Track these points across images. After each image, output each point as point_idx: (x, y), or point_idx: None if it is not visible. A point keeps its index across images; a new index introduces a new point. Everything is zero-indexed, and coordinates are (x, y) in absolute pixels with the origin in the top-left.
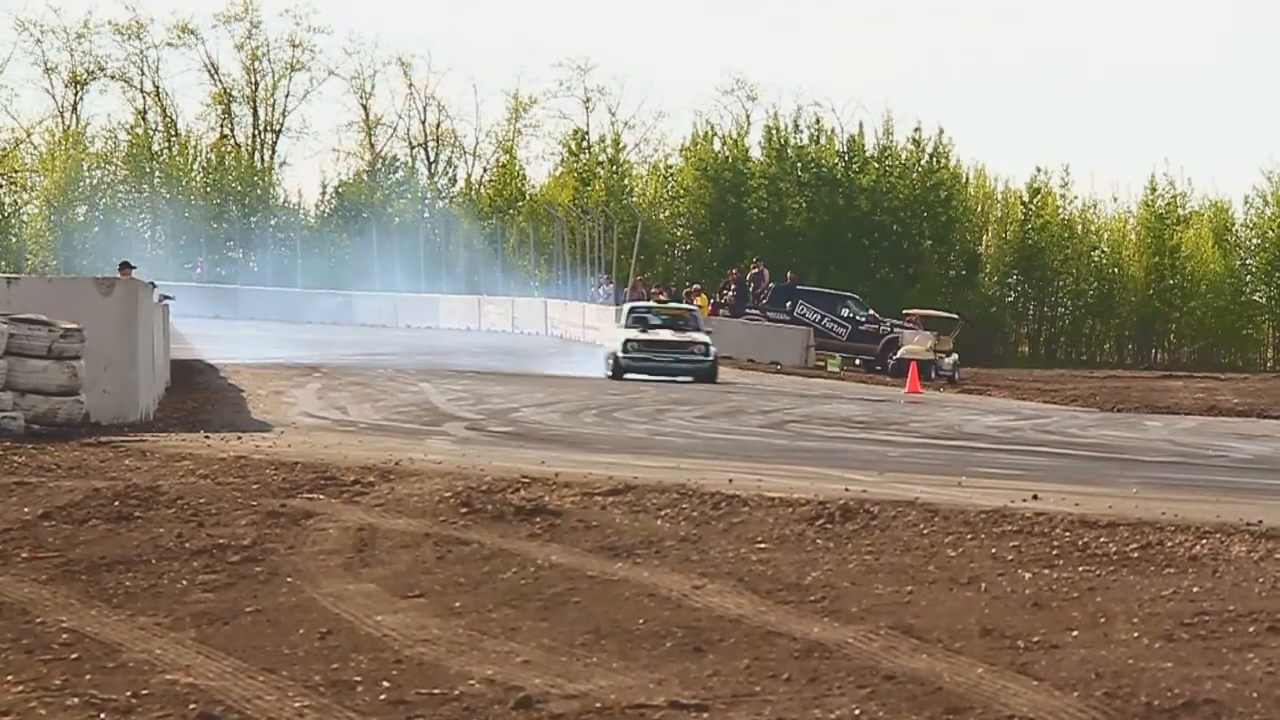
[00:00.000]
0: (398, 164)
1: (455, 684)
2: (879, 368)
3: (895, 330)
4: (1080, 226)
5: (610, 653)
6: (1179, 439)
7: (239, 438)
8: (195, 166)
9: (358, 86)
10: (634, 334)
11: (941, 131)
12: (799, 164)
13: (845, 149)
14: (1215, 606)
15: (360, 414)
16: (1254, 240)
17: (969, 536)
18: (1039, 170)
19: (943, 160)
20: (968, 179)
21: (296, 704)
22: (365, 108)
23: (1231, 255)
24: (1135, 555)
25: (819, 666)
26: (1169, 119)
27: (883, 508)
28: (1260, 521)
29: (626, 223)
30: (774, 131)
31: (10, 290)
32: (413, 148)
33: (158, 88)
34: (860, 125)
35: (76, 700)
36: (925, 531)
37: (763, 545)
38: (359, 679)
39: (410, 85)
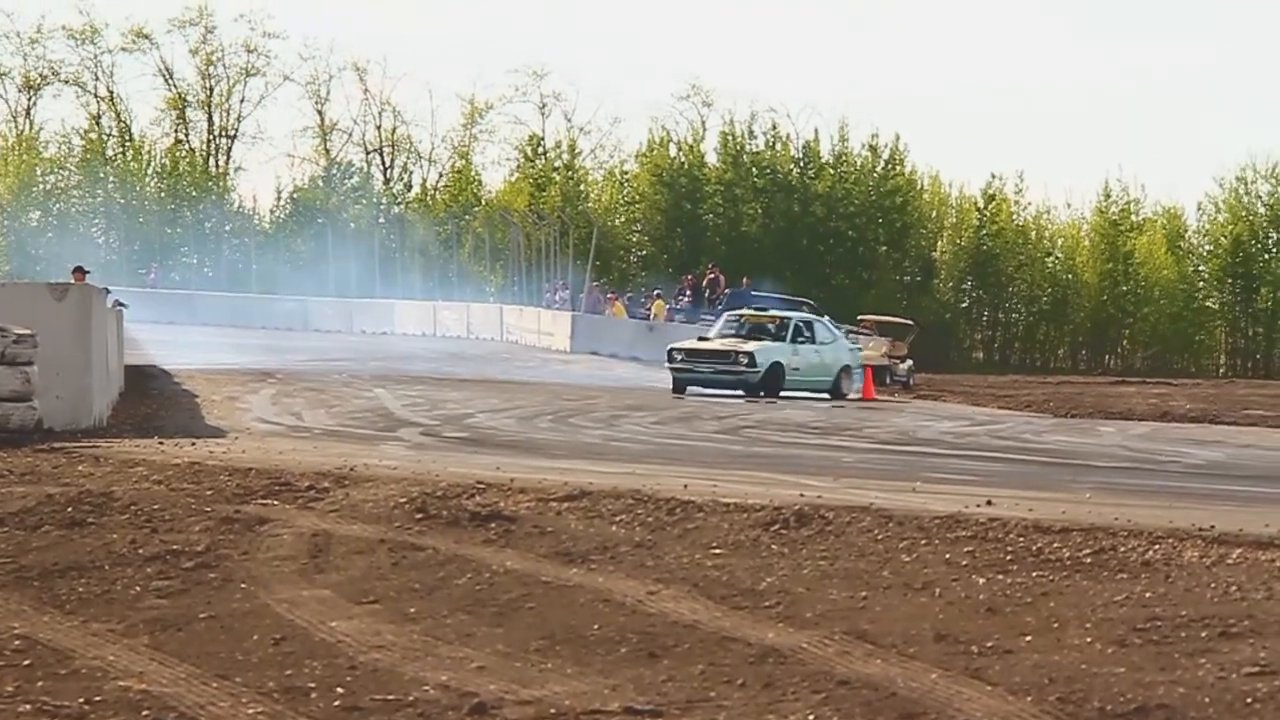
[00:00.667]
0: (353, 169)
1: (409, 690)
2: None
3: (850, 336)
4: (1034, 233)
5: (565, 658)
6: (1132, 444)
7: (193, 443)
8: (150, 172)
9: (313, 92)
10: (685, 344)
11: (897, 138)
12: (754, 170)
13: (801, 155)
14: (1168, 612)
15: (315, 420)
16: (1206, 247)
17: (923, 542)
18: (993, 177)
19: (898, 166)
20: (923, 185)
21: (250, 710)
22: (320, 113)
23: (1184, 262)
24: (1088, 561)
25: (774, 672)
26: (1122, 126)
27: (837, 513)
28: (1213, 527)
29: (582, 228)
30: (730, 138)
31: None
32: (368, 153)
33: (112, 93)
34: (816, 131)
35: (29, 707)
36: (880, 537)
37: (718, 551)
38: (313, 685)
39: (365, 90)
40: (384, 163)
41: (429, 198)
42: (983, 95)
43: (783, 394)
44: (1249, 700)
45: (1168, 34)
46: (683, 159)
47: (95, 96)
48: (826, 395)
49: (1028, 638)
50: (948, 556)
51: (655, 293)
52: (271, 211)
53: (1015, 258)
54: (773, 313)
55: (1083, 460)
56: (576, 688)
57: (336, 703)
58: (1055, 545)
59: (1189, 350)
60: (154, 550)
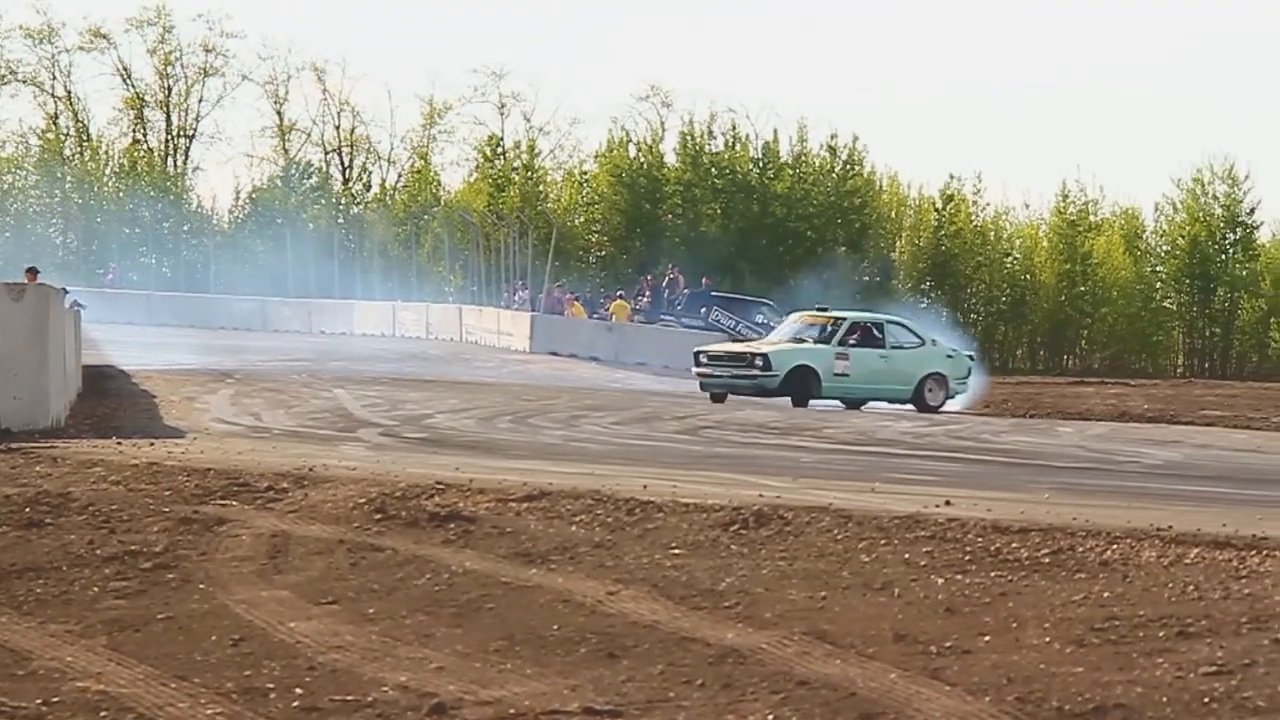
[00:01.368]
0: (311, 169)
1: (368, 691)
2: None
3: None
4: (993, 234)
5: (524, 659)
6: (1090, 445)
7: (151, 444)
8: (107, 172)
9: (271, 92)
10: (710, 347)
11: (855, 138)
12: (714, 171)
13: (760, 156)
14: (1126, 612)
15: (274, 420)
16: (1164, 247)
17: (882, 542)
18: (952, 177)
19: (856, 167)
20: (881, 186)
21: (209, 711)
22: (279, 113)
23: (1142, 262)
24: (1047, 561)
25: (733, 672)
26: (1080, 127)
27: (796, 513)
28: (1170, 527)
29: (542, 229)
30: (689, 138)
31: None
32: (327, 153)
33: (69, 92)
34: (775, 132)
35: None
36: (839, 537)
37: (677, 551)
38: (271, 686)
39: (324, 91)
40: (343, 163)
41: (388, 198)
42: (941, 96)
43: (830, 402)
44: (1206, 700)
45: (1125, 35)
46: (642, 159)
47: (53, 96)
48: (908, 405)
49: (986, 638)
50: (907, 557)
51: (617, 293)
52: (230, 212)
53: (974, 258)
54: (832, 313)
55: (1041, 460)
56: (536, 688)
57: (295, 703)
58: (1014, 545)
59: (1146, 351)
60: (112, 551)
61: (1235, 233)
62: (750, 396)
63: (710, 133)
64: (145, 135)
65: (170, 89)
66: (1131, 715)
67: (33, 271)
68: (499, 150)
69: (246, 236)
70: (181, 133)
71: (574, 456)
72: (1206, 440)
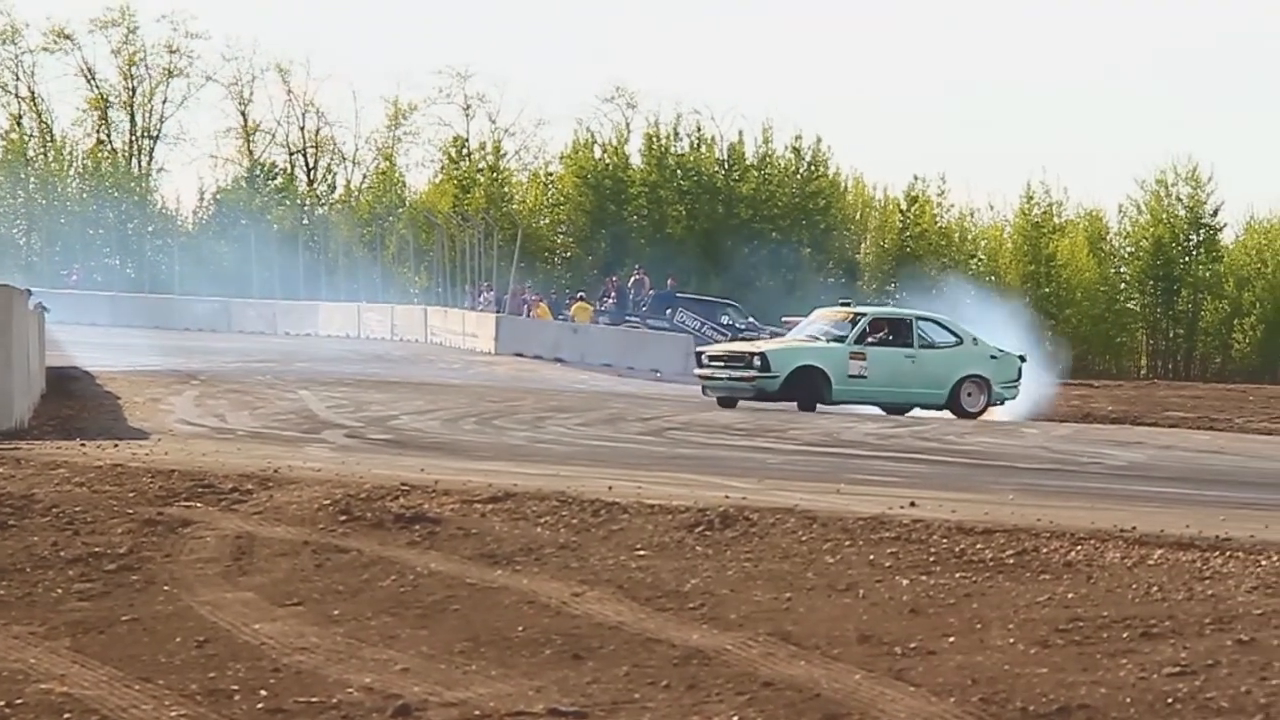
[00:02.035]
0: (276, 171)
1: (333, 692)
2: None
3: (775, 337)
4: (957, 235)
5: (489, 660)
6: (1054, 446)
7: (115, 445)
8: (71, 173)
9: (236, 93)
10: (712, 347)
11: (819, 140)
12: (679, 172)
13: (725, 157)
14: (1089, 612)
15: (238, 421)
16: (1128, 249)
17: (847, 543)
18: (916, 179)
19: (821, 168)
20: (846, 187)
21: (173, 713)
22: (244, 114)
23: (1106, 263)
24: (1011, 562)
25: (698, 673)
26: (1044, 128)
27: (761, 515)
28: (1134, 528)
29: (507, 230)
30: (654, 139)
31: None
32: (291, 154)
33: (33, 93)
34: (740, 134)
35: None
36: (804, 538)
37: (642, 552)
38: (236, 688)
39: (289, 92)
40: (307, 164)
41: (353, 199)
42: (906, 97)
43: (844, 406)
44: (1170, 700)
45: (1089, 37)
46: (607, 161)
47: (16, 97)
48: (944, 410)
49: (951, 639)
50: (871, 558)
51: (578, 294)
52: (194, 213)
53: (938, 260)
54: (855, 308)
55: (1005, 462)
56: (501, 689)
57: (260, 705)
58: (978, 546)
59: (1110, 352)
60: (76, 552)
61: (1198, 234)
62: (752, 401)
63: (675, 134)
64: (109, 136)
65: (134, 90)
66: (1095, 716)
67: None
68: (464, 151)
69: (211, 238)
70: (146, 133)
71: (539, 458)
72: (1170, 441)
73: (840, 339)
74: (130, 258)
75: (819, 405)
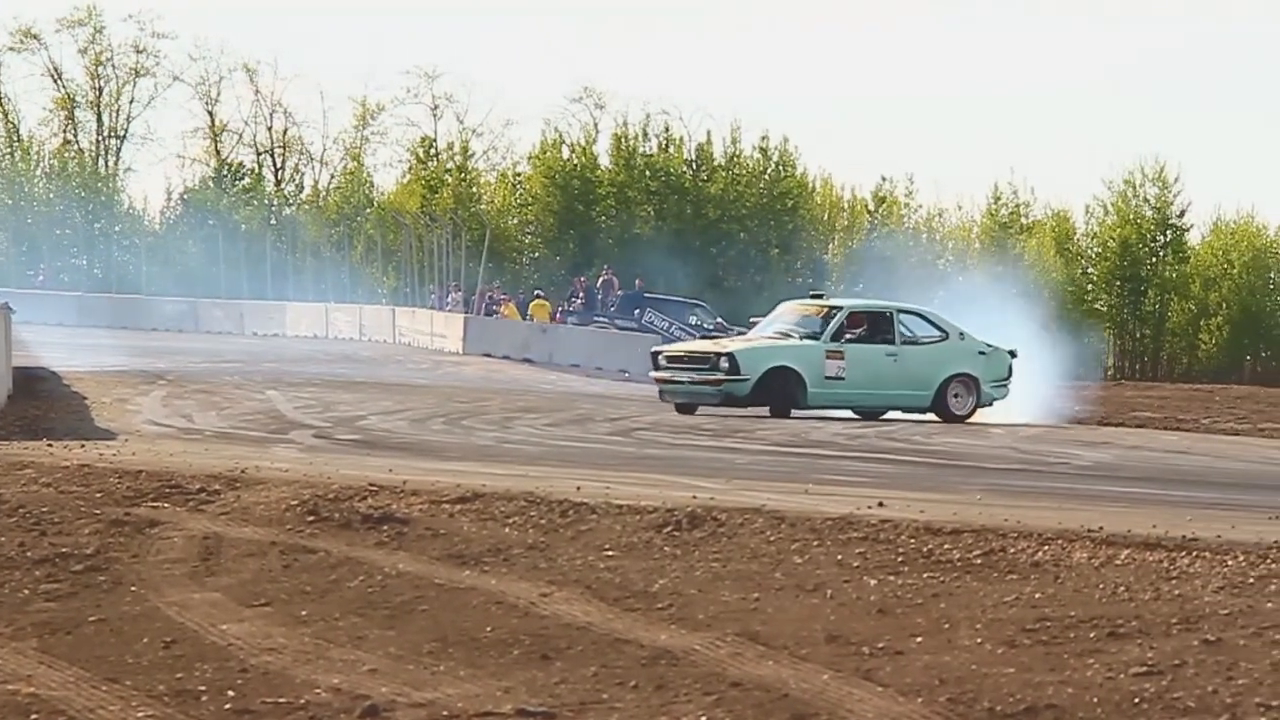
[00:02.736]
0: (244, 171)
1: (301, 693)
2: None
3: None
4: (925, 235)
5: (457, 661)
6: (1022, 446)
7: (82, 446)
8: (38, 172)
9: (203, 93)
10: (670, 347)
11: (787, 140)
12: (647, 172)
13: (693, 158)
14: (1057, 612)
15: (206, 422)
16: (1094, 249)
17: (815, 543)
18: (884, 179)
19: (789, 169)
20: (814, 187)
21: (140, 713)
22: (211, 114)
23: (1073, 264)
24: (979, 562)
25: (666, 674)
26: (1012, 129)
27: (730, 515)
28: (1101, 528)
29: (475, 230)
30: (622, 140)
31: None
32: (259, 154)
33: None
34: (708, 134)
35: None
36: (772, 539)
37: (610, 553)
38: (204, 688)
39: (256, 92)
40: (275, 164)
41: (321, 199)
42: (874, 98)
43: (817, 411)
44: (1136, 700)
45: (1056, 39)
46: (575, 161)
47: None
48: (929, 414)
49: (918, 639)
50: (839, 558)
51: (535, 292)
52: (162, 213)
53: (907, 260)
54: (825, 301)
55: (973, 462)
56: (469, 690)
57: (228, 706)
58: (946, 546)
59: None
60: (43, 553)
61: (1165, 235)
62: (718, 407)
63: (644, 134)
64: (76, 136)
65: (101, 90)
66: (1062, 716)
67: None
68: (432, 152)
69: (178, 238)
70: (113, 133)
71: (507, 458)
72: (1137, 442)
73: (815, 336)
74: (97, 258)
75: (793, 411)
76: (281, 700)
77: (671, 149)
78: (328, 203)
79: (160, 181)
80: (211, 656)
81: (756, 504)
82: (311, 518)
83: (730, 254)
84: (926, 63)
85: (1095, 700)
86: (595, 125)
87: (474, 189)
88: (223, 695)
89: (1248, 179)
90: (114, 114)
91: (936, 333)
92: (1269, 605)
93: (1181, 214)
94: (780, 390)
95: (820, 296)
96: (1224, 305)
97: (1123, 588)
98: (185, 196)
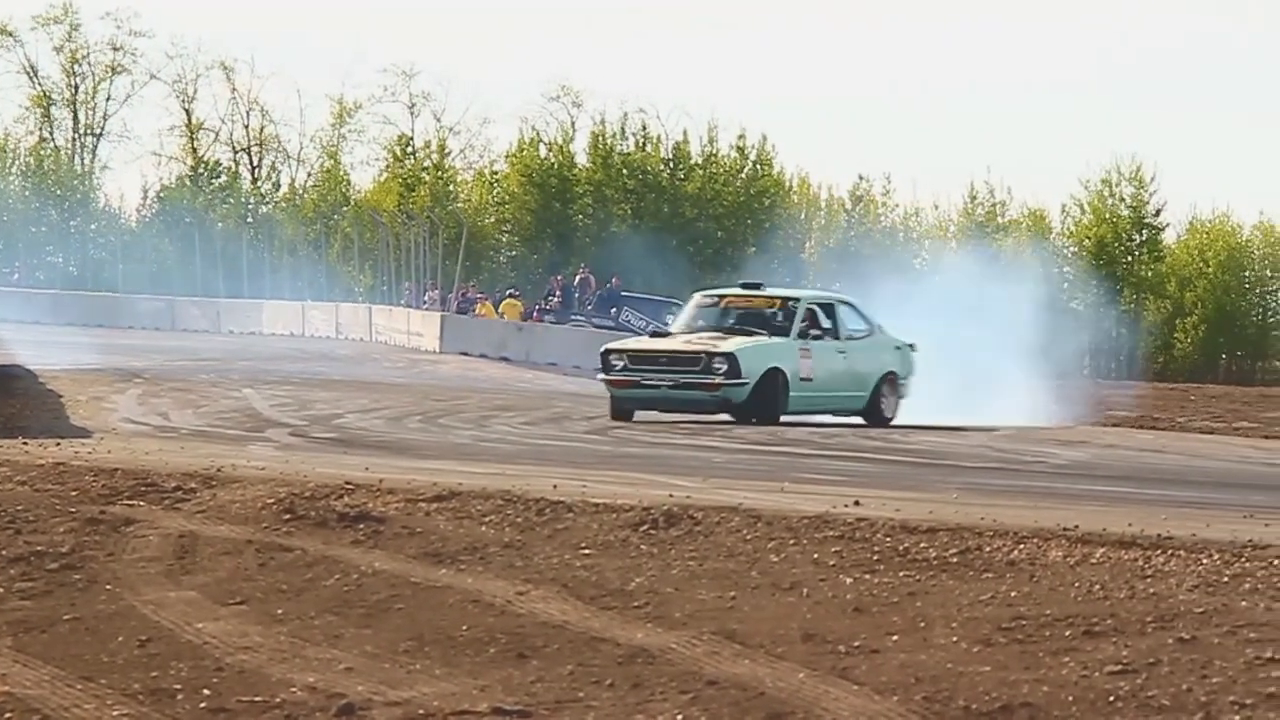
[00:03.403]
0: (220, 169)
1: (277, 692)
2: None
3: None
4: (902, 234)
5: (434, 659)
6: (998, 445)
7: (58, 444)
8: (14, 170)
9: (180, 90)
10: (628, 343)
11: (764, 138)
12: (625, 171)
13: (671, 156)
14: (1032, 611)
15: (182, 420)
16: (1071, 249)
17: (791, 542)
18: (861, 178)
19: (766, 168)
20: (791, 186)
21: (116, 712)
22: (188, 112)
23: (1049, 263)
24: (955, 560)
25: (642, 672)
26: (988, 128)
27: (706, 513)
28: (1076, 527)
29: (452, 229)
30: (599, 138)
31: None
32: (236, 152)
33: None
34: (685, 132)
35: None
36: (748, 537)
37: (587, 551)
38: (179, 687)
39: (233, 90)
40: (252, 162)
41: (297, 198)
42: (851, 97)
43: (788, 418)
44: (1111, 698)
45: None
46: (552, 159)
47: None
48: (860, 418)
49: (894, 637)
50: (815, 556)
51: (508, 290)
52: (138, 211)
53: (884, 259)
54: (773, 292)
55: (949, 461)
56: (445, 688)
57: (203, 704)
58: (922, 545)
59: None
60: (17, 551)
61: (1141, 234)
62: (701, 414)
63: (621, 133)
64: (52, 134)
65: (77, 87)
66: (1038, 714)
67: None
68: (409, 150)
69: (154, 236)
70: (89, 131)
71: (484, 456)
72: (1112, 440)
73: (783, 332)
74: (73, 256)
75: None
76: (257, 699)
77: (649, 147)
78: (304, 201)
79: (136, 179)
80: (187, 655)
81: (733, 503)
82: (288, 516)
83: (707, 252)
84: (904, 62)
85: (1070, 699)
86: (572, 124)
87: (451, 187)
88: (198, 694)
89: (1223, 178)
90: (90, 111)
91: (864, 326)
92: (1243, 604)
93: (1157, 213)
94: (771, 395)
95: (758, 286)
96: (1199, 304)
97: (1098, 586)
98: (161, 194)
